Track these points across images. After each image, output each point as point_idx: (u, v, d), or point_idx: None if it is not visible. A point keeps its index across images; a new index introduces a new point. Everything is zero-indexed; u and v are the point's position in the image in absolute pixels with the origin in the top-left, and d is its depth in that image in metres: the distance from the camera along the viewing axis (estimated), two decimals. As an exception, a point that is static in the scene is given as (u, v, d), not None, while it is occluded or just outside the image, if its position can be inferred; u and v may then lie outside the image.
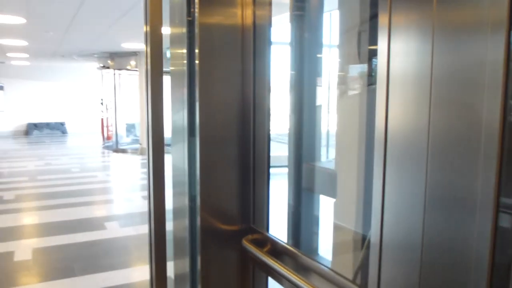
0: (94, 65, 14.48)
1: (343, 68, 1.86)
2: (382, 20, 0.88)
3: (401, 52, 0.85)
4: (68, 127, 19.12)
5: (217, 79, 1.59)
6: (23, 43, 10.14)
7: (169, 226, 1.79)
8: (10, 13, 6.94)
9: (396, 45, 0.86)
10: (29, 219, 6.19)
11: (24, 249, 4.86)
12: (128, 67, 13.01)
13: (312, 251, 2.02)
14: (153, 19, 1.62)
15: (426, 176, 0.80)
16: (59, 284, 4.03)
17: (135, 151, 13.13)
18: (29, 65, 15.96)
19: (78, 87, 18.79)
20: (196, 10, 1.54)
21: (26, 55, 12.99)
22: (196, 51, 1.54)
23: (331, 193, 1.90)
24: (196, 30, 1.54)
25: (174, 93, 1.79)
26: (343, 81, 1.85)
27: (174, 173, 1.81)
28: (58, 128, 18.98)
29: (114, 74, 13.96)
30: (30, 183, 8.40)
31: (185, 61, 1.68)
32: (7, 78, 17.63)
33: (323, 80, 1.99)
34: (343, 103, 1.88)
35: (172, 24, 1.74)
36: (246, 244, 1.63)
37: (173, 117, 1.79)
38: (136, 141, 14.32)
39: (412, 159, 0.83)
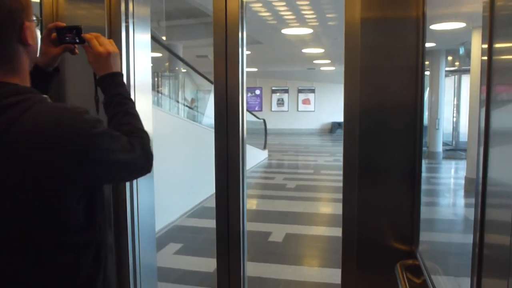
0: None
1: None
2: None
3: None
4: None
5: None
6: (319, 50, 11.36)
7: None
8: (301, 26, 7.96)
9: None
10: (299, 207, 6.95)
11: (279, 232, 5.53)
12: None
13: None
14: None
15: None
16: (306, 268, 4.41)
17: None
18: (334, 70, 17.64)
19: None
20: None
21: (328, 61, 14.43)
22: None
23: None
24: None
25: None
26: None
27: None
28: (357, 128, 20.21)
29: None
30: (312, 176, 9.40)
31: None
32: (318, 82, 20.08)
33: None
34: None
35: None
36: (400, 271, 1.43)
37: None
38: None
39: None
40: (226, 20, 1.84)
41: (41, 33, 1.50)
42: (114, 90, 1.27)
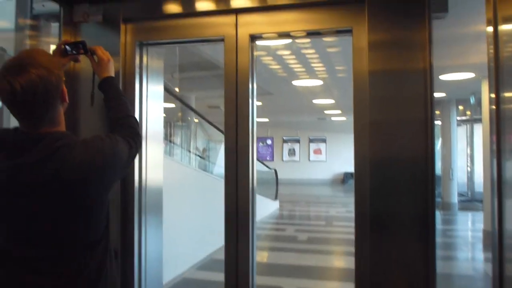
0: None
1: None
2: None
3: None
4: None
5: None
6: (330, 101, 11.52)
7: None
8: (311, 78, 8.15)
9: None
10: (311, 260, 6.73)
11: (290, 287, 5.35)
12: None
13: None
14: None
15: None
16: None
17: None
18: (345, 120, 17.77)
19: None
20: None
21: (339, 111, 14.57)
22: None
23: None
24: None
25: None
26: None
27: None
28: (370, 178, 20.01)
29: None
30: (324, 228, 9.22)
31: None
32: (329, 132, 20.19)
33: None
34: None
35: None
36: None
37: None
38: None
39: None
40: (236, 73, 1.88)
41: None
42: (113, 89, 1.74)
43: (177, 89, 8.79)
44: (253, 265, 1.93)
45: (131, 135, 1.55)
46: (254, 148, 1.93)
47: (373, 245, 1.61)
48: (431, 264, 1.53)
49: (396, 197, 1.62)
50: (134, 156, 1.57)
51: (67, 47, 1.71)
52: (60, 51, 1.71)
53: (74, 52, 1.72)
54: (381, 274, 1.59)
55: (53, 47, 1.93)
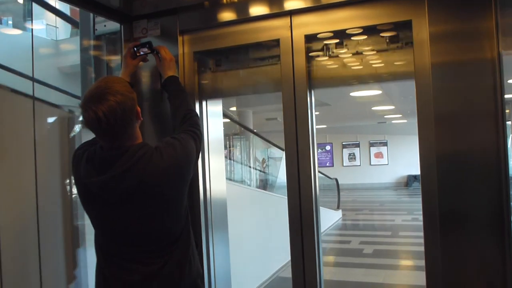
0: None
1: None
2: None
3: None
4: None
5: None
6: (390, 107, 11.18)
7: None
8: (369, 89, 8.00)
9: None
10: (379, 276, 6.38)
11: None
12: None
13: None
14: None
15: None
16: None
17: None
18: (406, 122, 17.14)
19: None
20: None
21: (399, 115, 14.09)
22: None
23: None
24: None
25: None
26: None
27: None
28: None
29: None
30: (390, 239, 8.83)
31: None
32: (390, 135, 19.55)
33: None
34: None
35: None
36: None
37: None
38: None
39: None
40: (293, 74, 1.87)
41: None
42: (175, 86, 1.90)
43: (234, 108, 8.93)
44: (321, 283, 1.87)
45: (193, 128, 1.72)
46: (315, 155, 1.89)
47: (444, 245, 1.53)
48: (509, 263, 1.42)
49: (466, 194, 1.53)
50: (201, 146, 1.74)
51: (135, 48, 1.93)
52: (130, 54, 1.93)
53: (141, 52, 1.93)
54: (455, 275, 1.50)
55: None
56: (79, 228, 2.35)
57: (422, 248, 1.62)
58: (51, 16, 6.10)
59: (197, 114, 1.85)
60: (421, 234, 1.64)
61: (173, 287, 1.58)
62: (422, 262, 1.60)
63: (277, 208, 5.72)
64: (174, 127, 1.84)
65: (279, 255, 5.80)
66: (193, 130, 1.71)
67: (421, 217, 1.65)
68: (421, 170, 1.66)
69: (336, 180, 12.44)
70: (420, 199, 1.65)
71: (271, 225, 5.99)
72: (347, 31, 1.80)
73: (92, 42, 2.47)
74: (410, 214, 11.57)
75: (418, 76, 1.64)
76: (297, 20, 1.85)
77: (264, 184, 9.15)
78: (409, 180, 19.39)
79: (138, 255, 1.56)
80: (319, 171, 2.04)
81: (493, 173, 1.50)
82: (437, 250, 1.56)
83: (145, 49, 1.94)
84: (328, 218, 10.17)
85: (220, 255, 2.15)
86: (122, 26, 2.18)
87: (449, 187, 1.56)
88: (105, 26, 2.34)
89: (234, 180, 7.47)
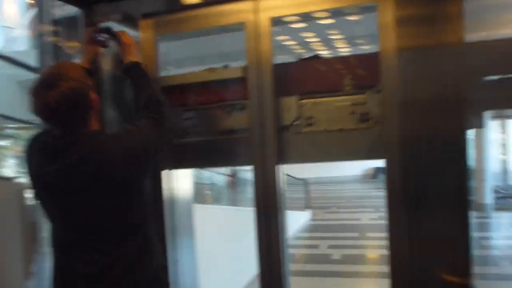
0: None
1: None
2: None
3: None
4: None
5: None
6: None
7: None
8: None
9: None
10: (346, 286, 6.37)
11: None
12: None
13: None
14: None
15: None
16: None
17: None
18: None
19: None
20: None
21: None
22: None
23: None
24: None
25: None
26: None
27: None
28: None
29: None
30: (358, 241, 8.76)
31: None
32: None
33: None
34: None
35: None
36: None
37: None
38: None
39: None
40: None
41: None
42: (137, 73, 1.77)
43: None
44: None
45: (154, 114, 1.64)
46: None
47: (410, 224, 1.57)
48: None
49: (429, 176, 1.57)
50: (163, 132, 1.68)
51: (93, 34, 1.84)
52: (89, 40, 1.84)
53: (100, 38, 1.84)
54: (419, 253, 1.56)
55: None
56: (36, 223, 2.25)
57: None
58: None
59: (159, 100, 1.74)
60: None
61: (132, 277, 1.52)
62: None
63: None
64: (136, 113, 1.76)
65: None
66: (153, 116, 1.64)
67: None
68: (386, 154, 1.64)
69: (304, 181, 12.40)
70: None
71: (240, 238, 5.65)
72: (314, 14, 1.76)
73: (49, 28, 2.37)
74: (377, 212, 11.31)
75: (384, 60, 1.62)
76: (263, 2, 1.80)
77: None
78: (376, 172, 19.74)
79: (96, 245, 1.50)
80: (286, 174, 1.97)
81: (456, 156, 1.53)
82: (402, 230, 1.58)
83: (105, 35, 1.85)
84: (296, 221, 10.07)
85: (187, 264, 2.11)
86: (81, 10, 2.09)
87: (413, 169, 1.58)
88: (62, 10, 2.25)
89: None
